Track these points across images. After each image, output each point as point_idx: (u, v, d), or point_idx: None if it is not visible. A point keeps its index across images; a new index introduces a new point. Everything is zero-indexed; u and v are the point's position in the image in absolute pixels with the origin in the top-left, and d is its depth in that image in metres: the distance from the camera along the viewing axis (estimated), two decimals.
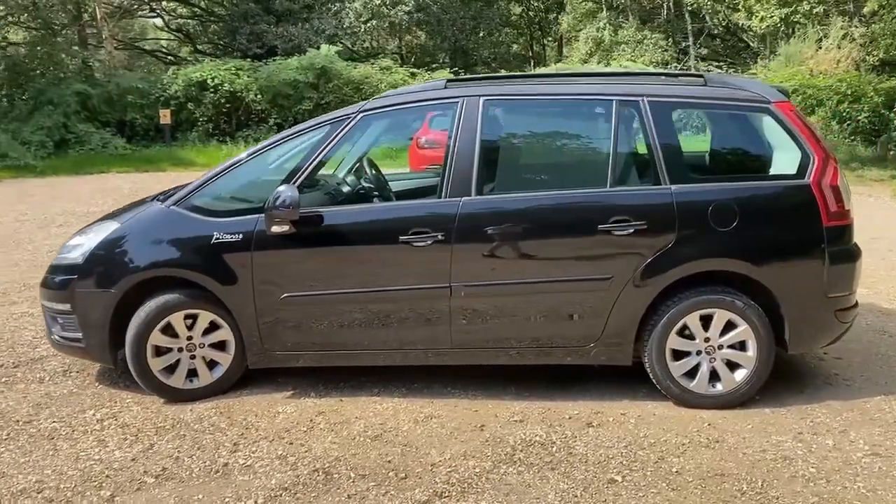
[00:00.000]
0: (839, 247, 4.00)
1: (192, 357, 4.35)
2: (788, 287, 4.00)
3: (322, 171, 4.45)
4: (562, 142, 4.41)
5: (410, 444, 3.78)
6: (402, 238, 4.02)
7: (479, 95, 4.14)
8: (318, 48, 22.13)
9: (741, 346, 4.07)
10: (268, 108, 21.08)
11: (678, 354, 4.11)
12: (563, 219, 4.04)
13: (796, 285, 4.00)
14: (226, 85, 20.71)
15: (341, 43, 28.64)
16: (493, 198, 4.09)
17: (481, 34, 32.56)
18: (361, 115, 4.19)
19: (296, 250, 4.13)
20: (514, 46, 38.17)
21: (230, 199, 4.29)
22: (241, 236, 4.11)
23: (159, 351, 4.27)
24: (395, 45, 34.12)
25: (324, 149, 4.14)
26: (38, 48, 20.86)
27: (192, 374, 4.37)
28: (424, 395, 4.35)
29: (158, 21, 32.17)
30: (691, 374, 4.12)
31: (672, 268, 3.97)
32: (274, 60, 22.63)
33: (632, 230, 3.95)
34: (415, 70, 23.84)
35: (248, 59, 22.92)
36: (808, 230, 3.96)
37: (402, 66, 24.14)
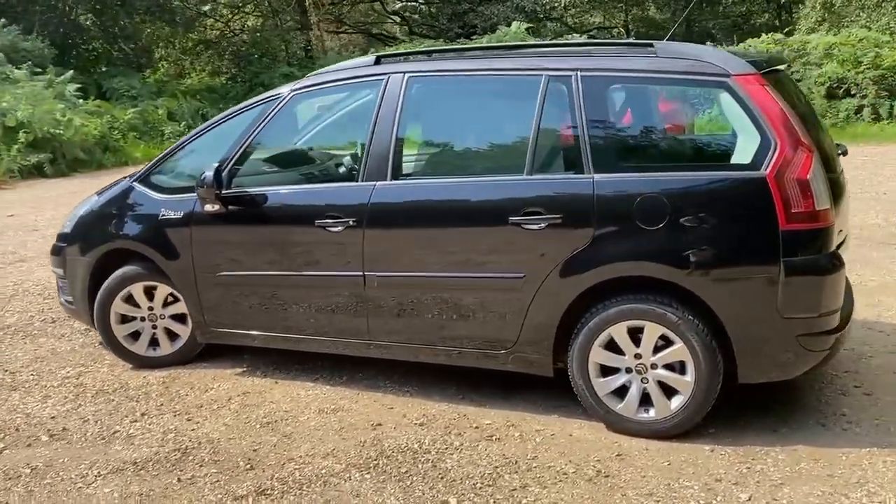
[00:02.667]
0: (802, 256, 3.19)
1: (154, 327, 4.57)
2: (732, 302, 3.27)
3: (276, 150, 4.42)
4: (485, 123, 3.94)
5: (292, 435, 3.66)
6: (317, 222, 3.88)
7: (404, 72, 3.84)
8: (509, 26, 21.96)
9: (681, 367, 3.42)
10: None
11: (606, 370, 3.55)
12: (474, 209, 3.64)
13: (742, 301, 3.26)
14: None
15: (549, 19, 28.24)
16: (407, 183, 3.79)
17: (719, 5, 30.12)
18: (293, 93, 4.08)
19: (227, 230, 4.15)
20: (755, 16, 34.82)
21: (177, 176, 4.41)
22: (182, 214, 4.22)
23: (124, 319, 4.54)
24: (622, 18, 32.83)
25: (256, 128, 4.09)
26: (258, 34, 22.93)
27: (156, 342, 4.59)
28: (358, 387, 4.20)
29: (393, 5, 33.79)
30: (621, 393, 3.54)
31: (587, 270, 3.42)
32: (471, 40, 22.87)
33: (544, 224, 3.45)
34: None
35: (444, 40, 23.37)
36: (759, 234, 3.19)
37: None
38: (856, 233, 7.37)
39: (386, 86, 3.83)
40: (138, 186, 4.43)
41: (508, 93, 3.75)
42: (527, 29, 21.82)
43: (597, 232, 3.38)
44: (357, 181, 3.84)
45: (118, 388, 4.29)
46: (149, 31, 23.51)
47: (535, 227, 3.47)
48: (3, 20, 17.44)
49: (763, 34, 20.10)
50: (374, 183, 3.78)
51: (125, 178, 4.66)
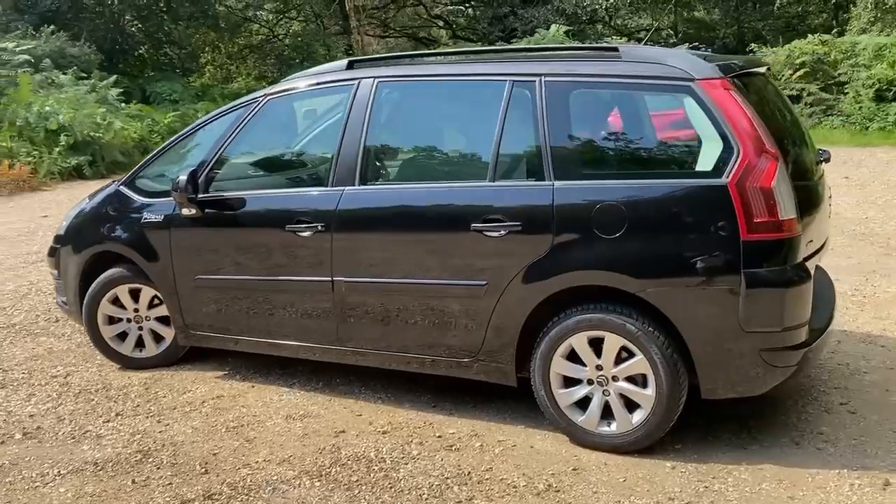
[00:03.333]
0: (765, 268, 3.06)
1: (140, 329, 4.64)
2: (692, 315, 3.16)
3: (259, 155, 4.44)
4: (452, 128, 3.89)
5: (254, 440, 3.67)
6: (288, 227, 3.88)
7: (374, 77, 3.82)
8: (548, 28, 21.77)
9: (643, 380, 3.31)
10: None
11: (568, 381, 3.47)
12: (438, 215, 3.59)
13: (702, 313, 3.15)
14: None
15: (592, 22, 27.93)
16: (373, 189, 3.76)
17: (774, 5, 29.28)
18: (267, 98, 4.09)
19: (204, 233, 4.19)
20: (811, 16, 33.68)
21: (159, 180, 4.47)
22: (162, 217, 4.27)
23: (111, 320, 4.62)
24: (670, 20, 32.27)
25: (232, 133, 4.12)
26: (299, 39, 23.26)
27: (142, 344, 4.66)
28: (332, 393, 4.19)
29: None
30: (584, 405, 3.45)
31: (547, 279, 3.35)
32: (510, 43, 22.76)
33: (505, 232, 3.39)
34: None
35: (484, 43, 23.33)
36: (720, 244, 3.07)
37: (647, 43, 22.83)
38: (882, 242, 7.11)
39: (356, 90, 3.82)
40: (124, 190, 4.50)
41: (474, 98, 3.70)
42: (566, 32, 21.60)
43: (556, 240, 3.31)
44: (327, 186, 3.84)
45: (101, 389, 4.37)
46: (196, 36, 24.08)
47: (495, 234, 3.41)
48: (52, 27, 18.04)
49: (809, 35, 19.56)
50: (342, 188, 3.77)
51: (114, 181, 4.75)
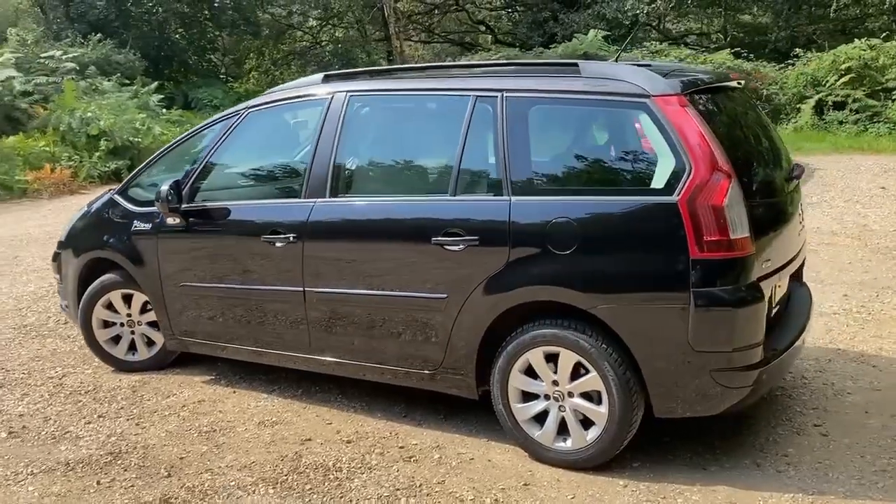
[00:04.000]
0: (715, 287, 3.02)
1: (132, 333, 4.79)
2: (642, 333, 3.14)
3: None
4: (418, 142, 3.90)
5: (223, 446, 3.77)
6: (263, 237, 3.97)
7: (346, 91, 3.88)
8: (586, 34, 21.64)
9: (598, 397, 3.30)
10: None
11: (527, 396, 3.47)
12: (402, 228, 3.64)
13: (653, 332, 3.12)
14: None
15: (634, 27, 27.57)
16: (342, 202, 3.82)
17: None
18: (248, 111, 4.20)
19: (187, 242, 4.31)
20: (870, 19, 32.54)
21: (149, 189, 4.60)
22: (150, 225, 4.41)
23: (106, 324, 4.78)
24: (719, 24, 31.70)
25: (216, 144, 4.24)
26: (339, 45, 23.57)
27: (134, 347, 4.81)
28: (309, 400, 4.26)
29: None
30: (542, 420, 3.45)
31: (503, 293, 3.36)
32: (548, 48, 22.69)
33: (463, 246, 3.42)
34: (689, 51, 22.00)
35: (521, 49, 23.30)
36: (670, 262, 3.05)
37: (681, 48, 22.51)
38: None
39: (330, 104, 3.89)
40: (117, 198, 4.66)
41: (440, 113, 3.74)
42: (605, 38, 21.44)
43: (512, 255, 3.32)
44: (300, 198, 3.92)
45: (91, 390, 4.52)
46: (244, 44, 24.60)
47: (455, 248, 3.44)
48: (99, 35, 18.65)
49: (857, 40, 19.00)
50: (314, 200, 3.84)
51: (110, 189, 4.91)
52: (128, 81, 17.48)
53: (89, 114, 14.51)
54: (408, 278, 3.62)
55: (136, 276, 4.53)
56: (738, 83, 3.78)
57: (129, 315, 4.75)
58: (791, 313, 3.70)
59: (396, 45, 23.63)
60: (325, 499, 3.24)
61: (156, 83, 17.80)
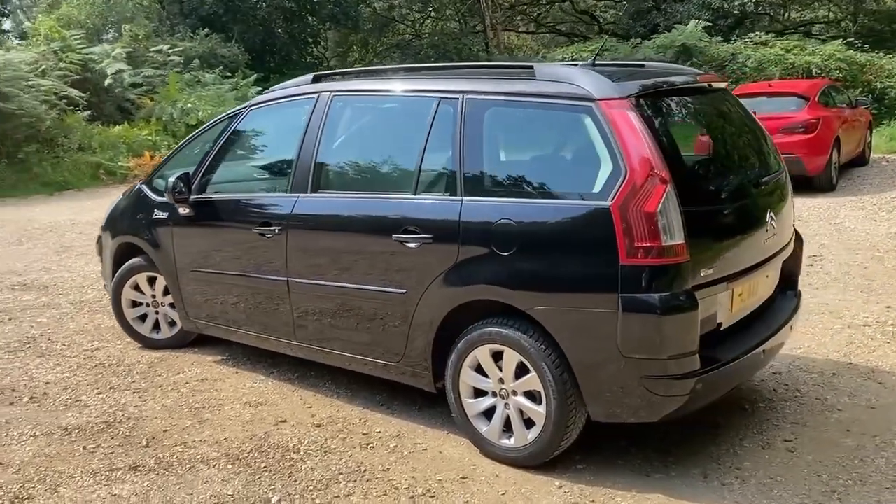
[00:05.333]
0: (645, 293, 2.99)
1: (157, 313, 5.18)
2: (574, 336, 3.15)
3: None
4: (389, 142, 3.99)
5: (205, 422, 4.04)
6: (254, 229, 4.22)
7: (330, 91, 4.06)
8: (687, 24, 20.90)
9: (539, 397, 3.33)
10: None
11: (477, 392, 3.55)
12: (369, 224, 3.78)
13: (584, 335, 3.13)
14: None
15: (745, 16, 26.39)
16: (321, 197, 3.99)
17: None
18: (250, 109, 4.45)
19: (196, 231, 4.62)
20: None
21: (168, 180, 4.94)
22: (167, 214, 4.76)
23: (134, 303, 5.19)
24: (847, 10, 29.82)
25: (222, 139, 4.52)
26: (436, 38, 23.88)
27: (158, 326, 5.21)
28: (300, 384, 4.49)
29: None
30: (490, 416, 3.52)
31: (453, 291, 3.45)
32: (649, 39, 22.11)
33: (419, 243, 3.53)
34: (798, 42, 20.81)
35: (618, 40, 22.81)
36: (601, 267, 3.04)
37: (789, 38, 21.37)
38: None
39: (316, 103, 4.08)
40: (144, 189, 5.04)
41: (409, 113, 3.84)
42: (705, 28, 20.65)
43: (461, 254, 3.40)
44: (287, 192, 4.13)
45: (113, 364, 4.93)
46: (351, 37, 25.33)
47: (412, 245, 3.55)
48: (206, 30, 19.73)
49: None
50: (298, 195, 4.05)
51: (141, 181, 5.31)
52: (229, 74, 18.41)
53: (189, 105, 15.44)
54: (373, 273, 3.77)
55: (155, 260, 4.89)
56: (710, 85, 3.67)
57: (153, 296, 5.14)
58: (761, 322, 3.59)
59: (492, 37, 23.65)
60: (273, 476, 3.44)
61: (255, 76, 18.66)
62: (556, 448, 3.32)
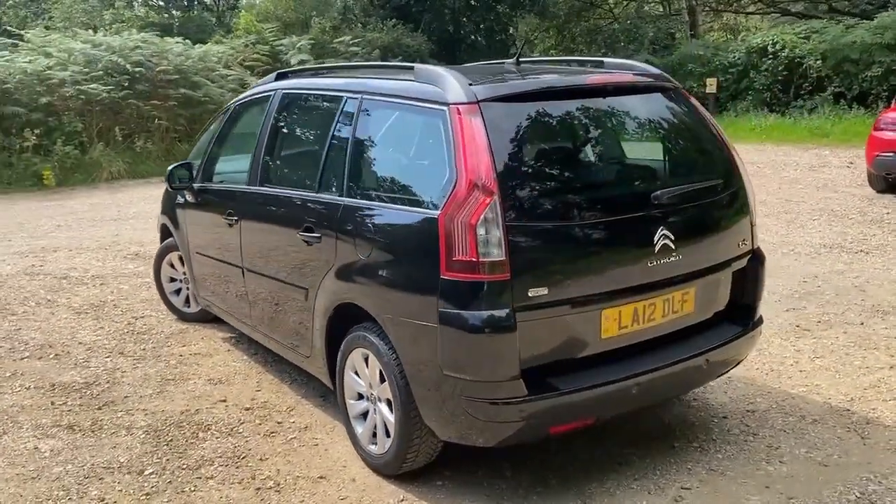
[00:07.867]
0: (458, 309, 2.81)
1: (187, 288, 5.70)
2: (408, 348, 3.05)
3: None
4: (310, 139, 4.01)
5: (163, 392, 4.41)
6: (223, 217, 4.52)
7: (282, 89, 4.21)
8: None
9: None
10: (830, 75, 18.67)
11: (359, 394, 3.55)
12: (285, 219, 3.90)
13: (415, 348, 3.01)
14: (786, 51, 19.14)
15: None
16: (261, 190, 4.15)
17: None
18: (234, 105, 4.73)
19: (196, 216, 5.02)
20: None
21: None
22: (184, 200, 5.22)
23: (171, 279, 5.75)
24: None
25: (218, 131, 4.87)
26: (629, 22, 22.99)
27: (188, 301, 5.73)
28: (273, 369, 4.73)
29: None
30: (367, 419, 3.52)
31: (331, 292, 3.47)
32: (871, 20, 19.60)
33: (312, 242, 3.58)
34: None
35: (827, 19, 20.43)
36: (427, 279, 2.90)
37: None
38: None
39: (270, 100, 4.27)
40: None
41: (325, 111, 3.85)
42: None
43: (338, 256, 3.41)
44: (247, 184, 4.36)
45: (141, 332, 5.51)
46: (547, 24, 25.17)
47: (309, 243, 3.62)
48: (394, 20, 20.64)
49: None
50: (251, 187, 4.27)
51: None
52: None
53: None
54: (288, 268, 3.89)
55: (177, 240, 5.39)
56: (600, 85, 3.29)
57: (184, 273, 5.66)
58: (652, 354, 3.18)
59: (685, 20, 22.25)
60: (171, 448, 3.71)
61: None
62: (402, 461, 3.23)
